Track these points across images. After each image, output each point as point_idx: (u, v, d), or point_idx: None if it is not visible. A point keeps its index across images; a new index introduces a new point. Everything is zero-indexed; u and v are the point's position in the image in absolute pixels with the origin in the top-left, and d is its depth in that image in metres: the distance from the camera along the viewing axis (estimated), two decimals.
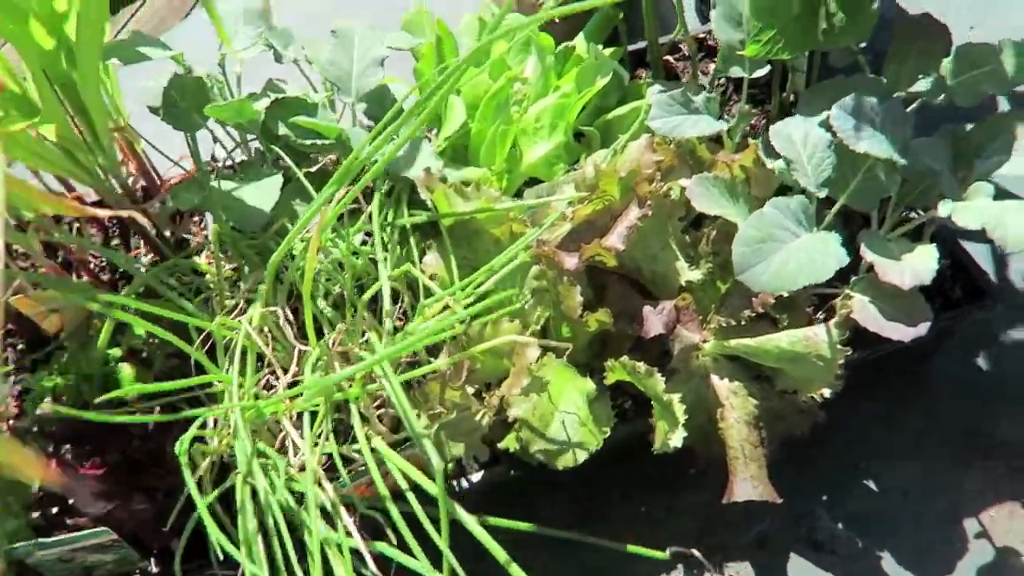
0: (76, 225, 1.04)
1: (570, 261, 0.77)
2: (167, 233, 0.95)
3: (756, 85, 1.00)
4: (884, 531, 0.88)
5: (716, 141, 0.85)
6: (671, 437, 0.72)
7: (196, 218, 0.98)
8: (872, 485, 0.92)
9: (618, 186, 0.80)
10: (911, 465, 0.92)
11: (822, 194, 0.74)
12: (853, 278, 0.78)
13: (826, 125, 0.76)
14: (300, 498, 0.68)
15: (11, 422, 0.80)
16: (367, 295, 0.75)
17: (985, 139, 0.80)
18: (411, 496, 0.65)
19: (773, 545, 0.88)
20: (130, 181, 0.98)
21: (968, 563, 0.85)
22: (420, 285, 0.81)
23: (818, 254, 0.67)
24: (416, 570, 0.63)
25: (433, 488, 0.64)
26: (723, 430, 0.80)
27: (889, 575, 0.85)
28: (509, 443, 0.76)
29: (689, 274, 0.82)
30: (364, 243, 0.88)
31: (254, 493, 0.67)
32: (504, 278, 0.81)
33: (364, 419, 0.72)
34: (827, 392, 0.75)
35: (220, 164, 1.01)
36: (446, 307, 0.78)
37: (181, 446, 0.67)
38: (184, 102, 0.88)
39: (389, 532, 0.66)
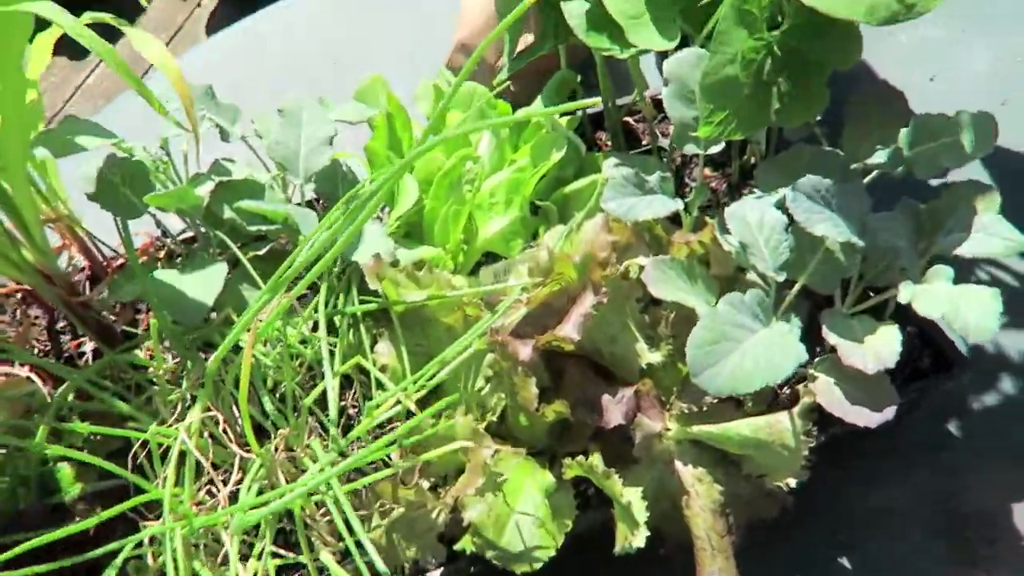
0: (18, 308, 1.00)
1: (524, 351, 0.74)
2: (113, 319, 0.92)
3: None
4: None
5: (674, 220, 0.83)
6: (632, 538, 0.69)
7: (143, 303, 0.95)
8: (846, 559, 0.89)
9: (574, 269, 0.78)
10: (883, 534, 0.90)
11: (780, 278, 0.72)
12: (816, 358, 0.76)
13: (781, 207, 0.74)
14: None
15: None
16: (312, 396, 0.72)
17: (944, 213, 0.79)
18: None
19: None
20: (72, 268, 0.95)
21: None
22: (371, 377, 0.78)
23: (775, 353, 0.65)
24: None
25: None
26: (688, 518, 0.77)
27: None
28: (465, 544, 0.73)
29: (650, 356, 0.79)
30: (315, 328, 0.85)
31: None
32: (459, 367, 0.78)
33: (309, 526, 0.68)
34: (793, 482, 0.73)
35: (165, 245, 0.98)
36: (398, 402, 0.75)
37: (111, 572, 0.64)
38: (124, 187, 0.85)
39: None
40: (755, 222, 0.72)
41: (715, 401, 0.75)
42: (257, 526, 0.68)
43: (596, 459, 0.73)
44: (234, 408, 0.75)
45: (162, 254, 1.00)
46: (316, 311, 0.82)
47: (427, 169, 0.92)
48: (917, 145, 0.81)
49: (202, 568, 0.65)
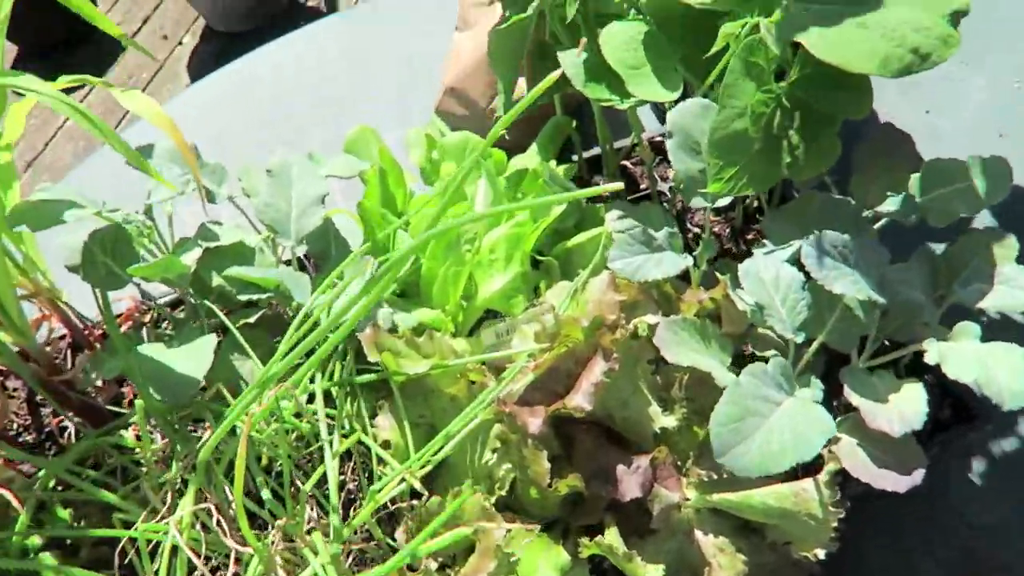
0: None
1: (534, 424, 0.70)
2: (96, 395, 0.87)
3: None
4: None
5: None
6: None
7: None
8: None
9: (582, 332, 0.74)
10: None
11: (800, 339, 0.69)
12: (839, 417, 0.73)
13: (795, 261, 0.71)
14: None
15: None
16: (311, 481, 0.68)
17: (960, 260, 0.77)
18: None
19: None
20: (51, 338, 0.91)
21: None
22: (373, 454, 0.74)
23: (803, 426, 0.61)
24: None
25: None
26: None
27: None
28: None
29: (664, 420, 0.76)
30: (310, 399, 0.80)
31: None
32: (464, 438, 0.74)
33: None
34: (822, 553, 0.69)
35: (150, 308, 0.94)
36: (402, 480, 0.71)
37: None
38: (106, 257, 0.81)
39: None
40: (770, 280, 0.69)
41: None
42: None
43: (614, 537, 0.69)
44: (227, 491, 0.71)
45: (147, 318, 0.96)
46: (312, 382, 0.78)
47: (423, 226, 0.88)
48: (929, 191, 0.79)
49: None
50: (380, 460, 0.75)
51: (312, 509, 0.70)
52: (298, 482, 0.73)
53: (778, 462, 0.59)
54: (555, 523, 0.78)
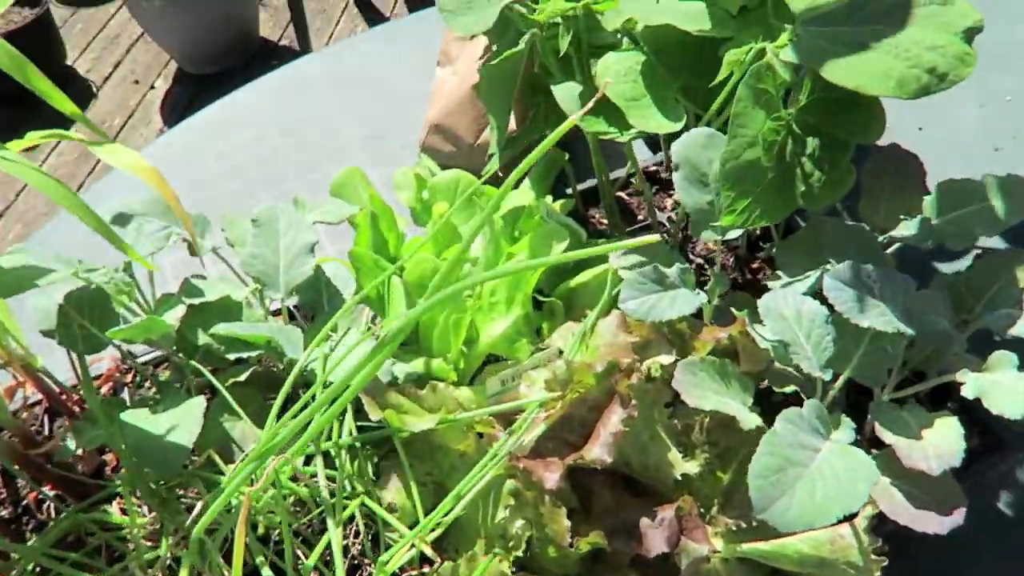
0: None
1: (551, 479, 0.66)
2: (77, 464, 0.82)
3: None
4: None
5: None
6: None
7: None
8: None
9: (595, 378, 0.70)
10: None
11: (827, 376, 0.65)
12: (873, 453, 0.70)
13: (814, 292, 0.68)
14: None
15: None
16: (315, 556, 0.63)
17: (982, 284, 0.74)
18: None
19: None
20: (26, 404, 0.85)
21: None
22: (379, 519, 0.69)
23: (845, 474, 0.57)
24: None
25: None
26: None
27: None
28: None
29: (685, 466, 0.72)
30: (307, 461, 0.76)
31: None
32: (476, 496, 0.70)
33: None
34: None
35: (132, 368, 0.89)
36: (412, 546, 0.66)
37: None
38: (84, 319, 0.76)
39: None
40: (793, 316, 0.66)
41: None
42: None
43: None
44: (224, 571, 0.66)
45: (129, 378, 0.90)
46: (310, 443, 0.73)
47: (418, 271, 0.84)
48: (946, 213, 0.76)
49: None
50: (386, 523, 0.70)
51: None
52: (300, 553, 0.68)
53: (824, 515, 0.55)
54: None
